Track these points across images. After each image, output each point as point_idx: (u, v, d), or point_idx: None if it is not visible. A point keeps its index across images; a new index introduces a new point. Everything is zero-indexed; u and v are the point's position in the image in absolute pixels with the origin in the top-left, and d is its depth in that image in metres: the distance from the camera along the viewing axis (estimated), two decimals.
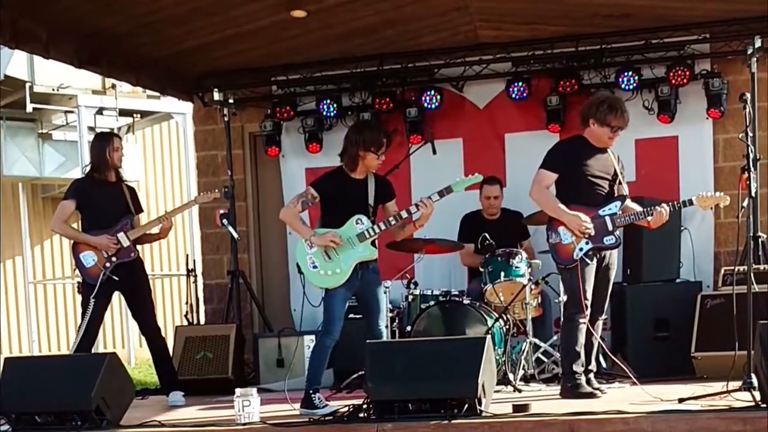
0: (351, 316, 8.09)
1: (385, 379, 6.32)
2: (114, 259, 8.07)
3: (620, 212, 7.18)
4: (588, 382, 7.27)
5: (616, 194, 7.26)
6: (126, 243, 8.12)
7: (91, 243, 8.08)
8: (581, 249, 7.11)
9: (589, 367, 7.35)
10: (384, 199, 7.30)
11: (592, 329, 7.27)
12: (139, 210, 8.40)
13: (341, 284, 7.12)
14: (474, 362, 6.17)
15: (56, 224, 8.37)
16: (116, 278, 8.05)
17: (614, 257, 7.34)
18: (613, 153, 7.32)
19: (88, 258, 8.09)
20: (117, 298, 8.50)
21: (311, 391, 7.08)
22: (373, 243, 7.18)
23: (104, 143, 8.27)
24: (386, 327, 8.24)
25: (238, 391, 6.59)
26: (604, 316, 7.44)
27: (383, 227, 7.16)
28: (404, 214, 7.18)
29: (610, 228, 7.15)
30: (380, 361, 6.46)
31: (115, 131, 14.68)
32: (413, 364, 6.32)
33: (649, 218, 7.18)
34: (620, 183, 7.30)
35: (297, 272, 7.44)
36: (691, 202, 7.25)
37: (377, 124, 7.65)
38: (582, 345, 7.17)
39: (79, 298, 8.36)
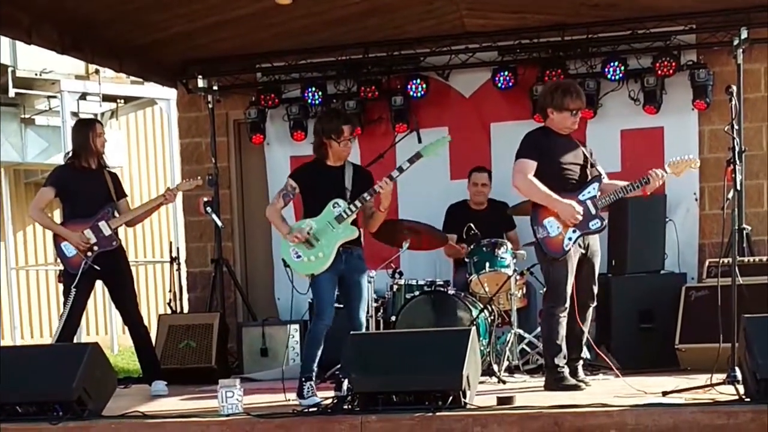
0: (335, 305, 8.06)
1: (369, 371, 6.29)
2: (95, 248, 8.02)
3: (599, 194, 7.17)
4: (575, 371, 7.26)
5: (589, 177, 7.23)
6: (107, 232, 8.07)
7: (63, 236, 8.04)
8: (570, 239, 7.08)
9: (581, 355, 7.34)
10: (364, 188, 7.29)
11: (584, 316, 7.26)
12: (122, 195, 8.33)
13: (327, 268, 7.15)
14: (459, 354, 6.15)
15: (33, 211, 8.33)
16: (97, 267, 8.00)
17: (597, 244, 7.31)
18: (579, 142, 7.33)
19: (70, 247, 8.03)
20: (100, 284, 8.45)
21: (303, 379, 7.12)
22: (353, 223, 7.21)
23: (87, 129, 8.22)
24: (370, 317, 8.29)
25: (221, 382, 6.56)
26: (594, 303, 7.39)
27: (358, 205, 7.18)
28: (377, 188, 7.16)
29: (593, 212, 7.13)
30: (364, 352, 6.44)
31: (99, 117, 14.71)
32: (398, 356, 6.32)
33: (647, 186, 7.14)
34: (592, 165, 7.28)
35: (284, 267, 7.41)
36: (664, 171, 7.19)
37: (338, 112, 7.77)
38: (563, 338, 7.14)
39: (60, 285, 8.31)
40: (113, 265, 8.12)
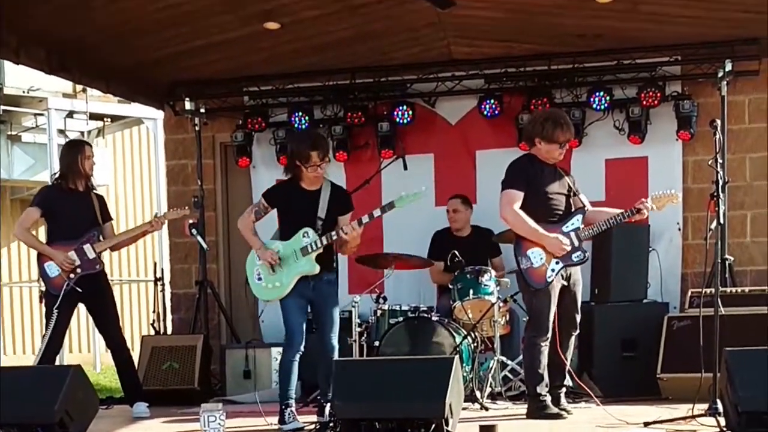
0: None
1: (352, 398, 6.30)
2: (78, 270, 8.02)
3: (583, 226, 7.19)
4: (557, 399, 7.27)
5: (573, 208, 7.26)
6: (91, 255, 8.06)
7: (47, 254, 8.03)
8: (553, 270, 7.09)
9: (564, 383, 7.35)
10: (339, 211, 7.22)
11: (567, 344, 7.28)
12: (108, 218, 8.32)
13: (284, 297, 7.12)
14: (442, 382, 6.15)
15: (19, 230, 8.32)
16: (80, 290, 7.99)
17: (578, 274, 7.33)
18: (563, 169, 7.33)
19: (53, 268, 8.01)
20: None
21: (283, 406, 7.09)
22: (319, 258, 7.12)
23: (75, 151, 8.19)
24: (354, 342, 8.32)
25: (203, 406, 6.54)
26: (577, 332, 7.40)
27: (325, 242, 7.11)
28: (343, 233, 7.06)
29: (576, 243, 7.14)
30: (348, 379, 6.45)
31: (85, 135, 14.74)
32: (381, 383, 6.31)
33: (635, 217, 7.18)
34: (575, 194, 7.30)
35: (245, 284, 7.41)
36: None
37: (308, 135, 7.57)
38: (545, 367, 7.16)
39: (43, 304, 8.30)
40: (95, 288, 8.10)
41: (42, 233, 8.92)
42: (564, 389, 7.38)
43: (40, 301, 8.40)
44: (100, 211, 8.21)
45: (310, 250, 7.10)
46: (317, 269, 7.13)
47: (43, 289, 8.29)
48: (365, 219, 7.10)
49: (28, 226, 8.26)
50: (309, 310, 7.28)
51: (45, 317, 8.13)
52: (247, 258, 7.34)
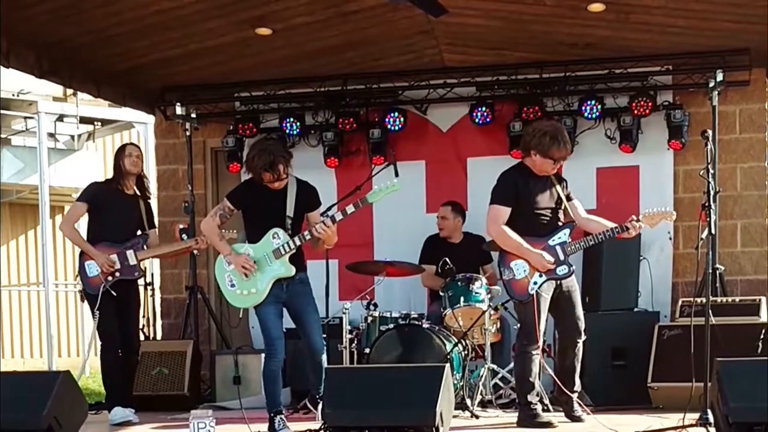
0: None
1: (343, 405, 6.30)
2: (117, 274, 8.05)
3: (570, 240, 7.19)
4: (570, 406, 7.28)
5: (563, 220, 7.25)
6: (133, 261, 8.13)
7: (91, 255, 8.04)
8: (535, 283, 7.10)
9: (575, 389, 7.35)
10: (306, 208, 7.11)
11: (573, 352, 7.30)
12: (152, 226, 8.40)
13: (260, 303, 7.01)
14: (433, 390, 6.17)
15: (65, 226, 8.34)
16: (114, 293, 8.02)
17: (573, 279, 7.31)
18: (554, 177, 7.30)
19: (93, 267, 8.05)
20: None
21: (272, 414, 7.05)
22: (291, 259, 7.00)
23: (119, 152, 8.31)
24: (344, 348, 8.31)
25: (193, 412, 6.52)
26: (583, 338, 7.38)
27: (298, 243, 6.99)
28: (316, 233, 6.95)
29: (562, 257, 7.15)
30: (339, 386, 6.45)
31: (75, 139, 14.72)
32: (372, 391, 6.33)
33: (623, 234, 7.18)
34: (569, 199, 7.29)
35: (217, 289, 7.34)
36: (637, 220, 7.20)
37: (265, 152, 6.96)
38: (536, 375, 7.18)
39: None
40: (127, 292, 8.17)
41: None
42: (575, 395, 7.35)
43: (82, 300, 8.43)
44: (146, 218, 8.25)
45: (283, 252, 6.99)
46: (293, 272, 7.01)
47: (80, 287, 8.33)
48: (339, 216, 6.99)
49: (74, 221, 8.26)
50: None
51: (92, 314, 8.16)
52: (216, 265, 7.21)
